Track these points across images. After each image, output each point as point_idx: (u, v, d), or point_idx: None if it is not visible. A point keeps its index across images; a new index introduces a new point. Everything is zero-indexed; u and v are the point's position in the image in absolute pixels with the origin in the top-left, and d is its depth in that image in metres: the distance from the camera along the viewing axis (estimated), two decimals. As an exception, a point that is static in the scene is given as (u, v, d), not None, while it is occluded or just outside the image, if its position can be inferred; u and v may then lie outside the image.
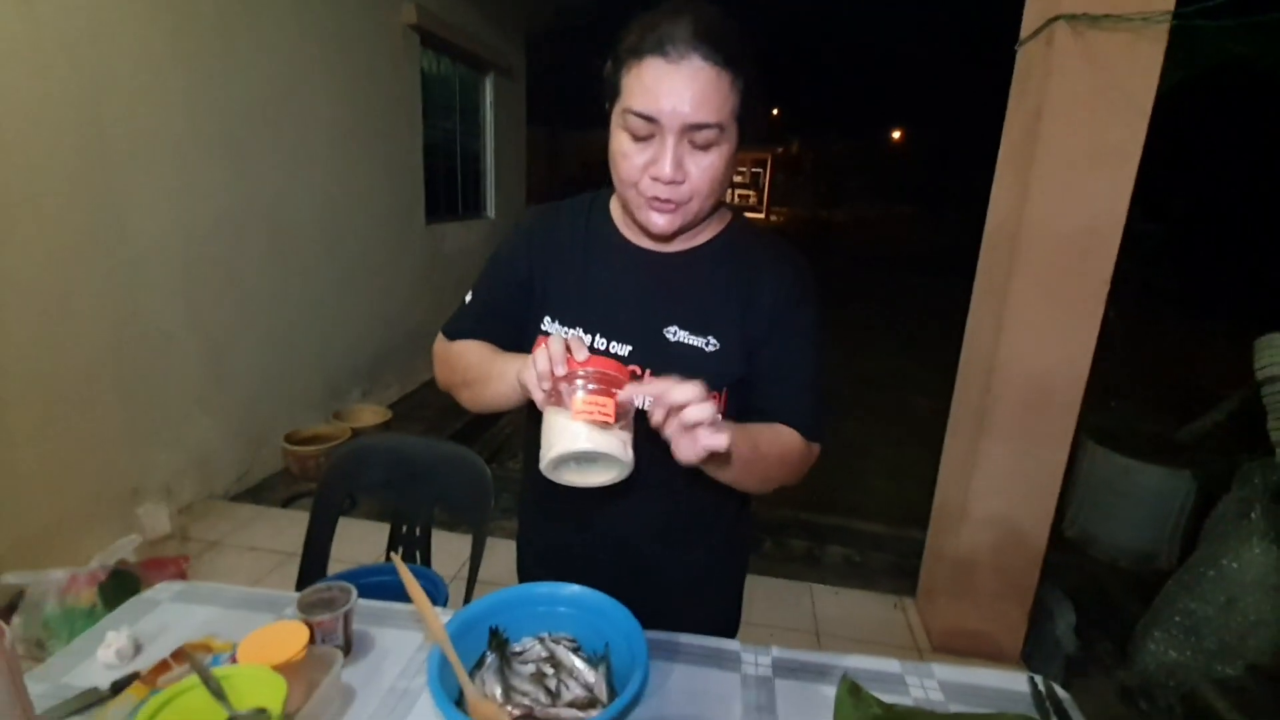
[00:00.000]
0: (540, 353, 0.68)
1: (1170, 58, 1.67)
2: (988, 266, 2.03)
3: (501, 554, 1.32)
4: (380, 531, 1.42)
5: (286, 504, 2.93)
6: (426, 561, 1.42)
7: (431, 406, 4.34)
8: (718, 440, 0.65)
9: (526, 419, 0.92)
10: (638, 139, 0.76)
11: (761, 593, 2.38)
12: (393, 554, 0.85)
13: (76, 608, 1.82)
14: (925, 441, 2.77)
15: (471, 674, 0.77)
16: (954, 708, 0.80)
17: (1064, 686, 0.85)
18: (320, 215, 3.41)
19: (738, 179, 30.94)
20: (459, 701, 0.72)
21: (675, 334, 0.86)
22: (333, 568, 1.36)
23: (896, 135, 29.04)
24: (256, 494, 3.02)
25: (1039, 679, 0.85)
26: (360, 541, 1.62)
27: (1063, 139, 1.66)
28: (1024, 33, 1.85)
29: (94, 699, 0.77)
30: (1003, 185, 1.94)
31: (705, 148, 0.75)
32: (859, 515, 3.11)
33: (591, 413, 0.65)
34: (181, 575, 2.04)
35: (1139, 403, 4.11)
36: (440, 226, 4.83)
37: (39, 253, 2.03)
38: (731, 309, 0.86)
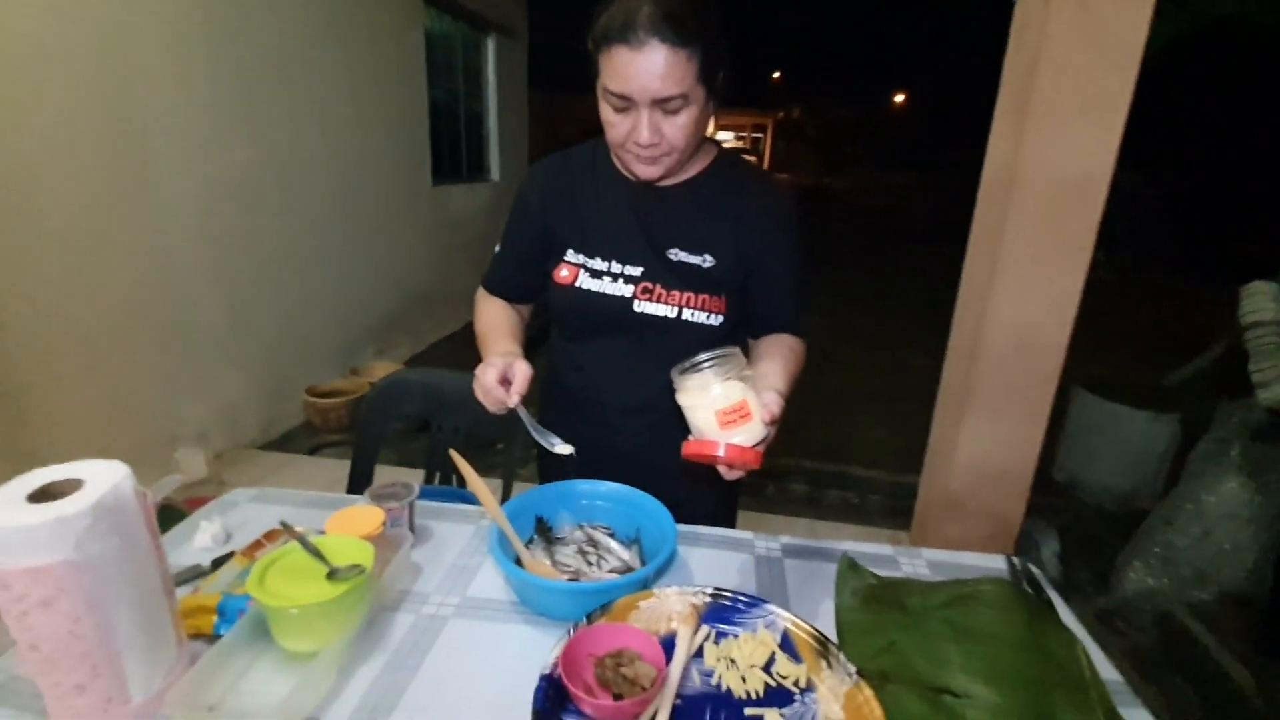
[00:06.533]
0: (479, 386, 0.91)
1: (1163, 12, 1.74)
2: (983, 216, 2.12)
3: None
4: (409, 476, 1.53)
5: (312, 453, 3.06)
6: (461, 486, 1.55)
7: (443, 363, 4.44)
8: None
9: (554, 339, 1.13)
10: (618, 111, 0.90)
11: (765, 526, 2.50)
12: (451, 451, 0.96)
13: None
14: (922, 395, 2.89)
15: (523, 550, 0.89)
16: (939, 579, 0.93)
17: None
18: (331, 175, 3.48)
19: (738, 144, 30.74)
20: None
21: (677, 255, 1.00)
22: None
23: (899, 99, 28.64)
24: (282, 443, 3.15)
25: (1016, 558, 0.97)
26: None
27: (1057, 89, 1.74)
28: (1022, -14, 1.91)
29: (198, 572, 0.89)
30: (999, 136, 2.02)
31: (676, 112, 0.88)
32: (858, 463, 3.25)
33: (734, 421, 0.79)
34: (221, 512, 2.17)
35: (1131, 354, 4.23)
36: (446, 188, 4.88)
37: (72, 203, 2.12)
38: (724, 230, 1.01)
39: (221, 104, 2.69)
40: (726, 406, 0.77)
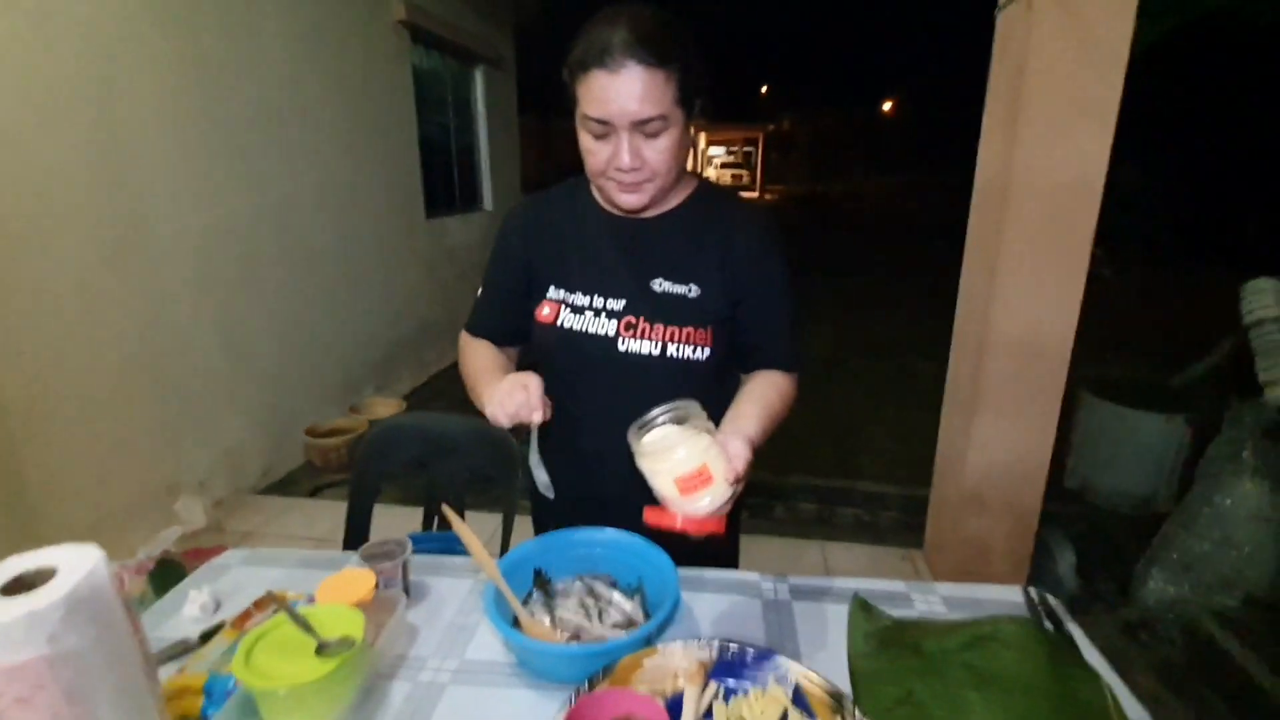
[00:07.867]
0: (500, 389, 0.88)
1: (1149, 12, 1.73)
2: (978, 225, 2.10)
3: (524, 534, 1.40)
4: (410, 516, 1.49)
5: (313, 494, 3.03)
6: (461, 530, 1.51)
7: (445, 396, 4.43)
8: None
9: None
10: (598, 138, 0.89)
11: (775, 551, 2.48)
12: (445, 505, 0.93)
13: (129, 597, 1.92)
14: (930, 403, 2.86)
15: (522, 607, 0.86)
16: (955, 617, 0.89)
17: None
18: (326, 213, 3.48)
19: (729, 159, 30.85)
20: (514, 627, 0.82)
21: (660, 285, 0.99)
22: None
23: (887, 106, 28.89)
24: (283, 486, 3.12)
25: (1033, 590, 0.94)
26: (392, 527, 1.71)
27: (1045, 96, 1.73)
28: (1004, -4, 1.91)
29: (185, 648, 0.86)
30: (990, 144, 2.01)
31: (655, 135, 0.88)
32: (868, 477, 3.20)
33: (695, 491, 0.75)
34: (223, 563, 2.14)
35: (1136, 354, 4.19)
36: (440, 221, 4.89)
37: (68, 262, 2.12)
38: (709, 259, 0.99)
39: (214, 151, 2.69)
40: (685, 474, 0.73)
